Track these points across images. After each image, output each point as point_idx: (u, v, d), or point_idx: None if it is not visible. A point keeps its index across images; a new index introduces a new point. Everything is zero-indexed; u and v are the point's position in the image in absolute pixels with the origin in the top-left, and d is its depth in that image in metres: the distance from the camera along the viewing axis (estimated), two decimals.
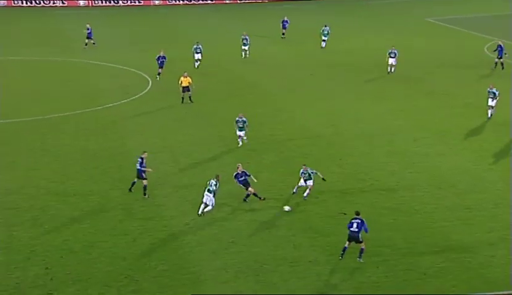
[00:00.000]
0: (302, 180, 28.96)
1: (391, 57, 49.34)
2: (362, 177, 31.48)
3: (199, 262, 24.26)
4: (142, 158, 29.39)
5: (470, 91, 45.68)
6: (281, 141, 36.70)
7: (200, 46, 51.94)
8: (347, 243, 23.90)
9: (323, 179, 29.60)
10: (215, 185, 27.58)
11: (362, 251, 23.87)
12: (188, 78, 42.78)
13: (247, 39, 55.84)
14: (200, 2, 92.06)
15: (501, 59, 50.31)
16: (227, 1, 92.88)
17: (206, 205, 27.62)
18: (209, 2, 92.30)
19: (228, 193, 29.06)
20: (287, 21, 65.34)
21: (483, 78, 48.56)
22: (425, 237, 25.69)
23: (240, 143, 35.38)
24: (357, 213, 24.25)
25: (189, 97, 43.10)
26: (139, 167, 29.25)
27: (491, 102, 36.77)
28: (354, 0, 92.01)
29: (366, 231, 23.92)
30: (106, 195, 29.80)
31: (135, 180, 29.55)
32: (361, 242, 23.74)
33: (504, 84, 44.02)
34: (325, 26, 60.00)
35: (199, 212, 27.52)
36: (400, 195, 29.48)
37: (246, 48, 55.65)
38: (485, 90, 41.93)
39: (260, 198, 28.63)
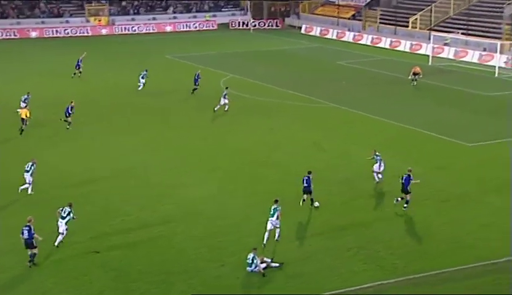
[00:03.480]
0: None
1: (224, 98, 49.56)
2: (113, 214, 31.51)
3: None
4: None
5: (209, 123, 48.14)
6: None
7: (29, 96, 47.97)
8: (304, 196, 31.00)
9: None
10: (69, 213, 27.59)
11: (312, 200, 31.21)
12: (25, 110, 43.21)
13: None
14: None
15: (197, 86, 54.76)
16: None
17: (61, 234, 27.40)
18: None
19: None
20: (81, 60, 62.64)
21: (223, 109, 51.65)
22: (177, 266, 26.58)
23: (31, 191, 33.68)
24: (309, 172, 31.07)
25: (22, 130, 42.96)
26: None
27: (377, 169, 34.13)
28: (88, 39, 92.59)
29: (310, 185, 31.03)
30: None
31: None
32: (311, 192, 31.05)
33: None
34: (145, 71, 57.97)
35: (56, 244, 27.33)
36: (155, 228, 30.03)
37: None
38: (225, 118, 43.96)
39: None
